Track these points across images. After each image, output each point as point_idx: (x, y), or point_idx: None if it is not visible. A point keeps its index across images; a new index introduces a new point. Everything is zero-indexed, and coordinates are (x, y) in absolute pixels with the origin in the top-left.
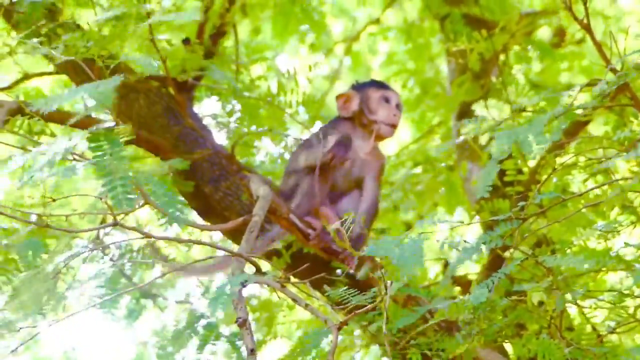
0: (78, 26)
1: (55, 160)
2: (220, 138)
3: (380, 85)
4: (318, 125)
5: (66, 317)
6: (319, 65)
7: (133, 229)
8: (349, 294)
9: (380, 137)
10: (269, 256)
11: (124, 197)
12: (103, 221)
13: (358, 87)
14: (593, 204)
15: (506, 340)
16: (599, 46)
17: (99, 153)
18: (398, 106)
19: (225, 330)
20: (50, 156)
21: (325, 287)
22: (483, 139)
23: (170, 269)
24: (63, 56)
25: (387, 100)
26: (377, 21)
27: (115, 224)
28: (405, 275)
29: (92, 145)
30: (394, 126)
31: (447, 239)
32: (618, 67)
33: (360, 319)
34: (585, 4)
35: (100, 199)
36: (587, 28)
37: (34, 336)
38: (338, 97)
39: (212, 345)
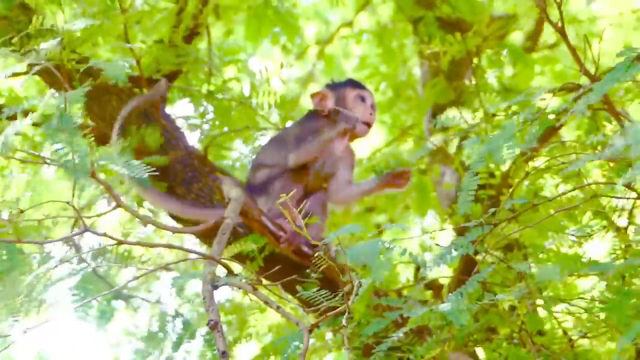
0: (51, 27)
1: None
2: (193, 140)
3: (356, 85)
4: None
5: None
6: (290, 65)
7: (104, 234)
8: (320, 296)
9: (355, 136)
10: (241, 259)
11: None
12: (75, 225)
13: (333, 86)
14: (564, 208)
15: (477, 345)
16: (573, 50)
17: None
18: (372, 106)
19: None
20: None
21: (298, 287)
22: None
23: (144, 272)
24: (35, 60)
25: (362, 99)
26: (349, 24)
27: (85, 231)
28: (374, 279)
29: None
30: (369, 125)
31: (419, 245)
32: (592, 71)
33: (331, 322)
34: (559, 7)
35: (68, 203)
36: (562, 32)
37: (7, 346)
38: (313, 95)
39: (187, 343)
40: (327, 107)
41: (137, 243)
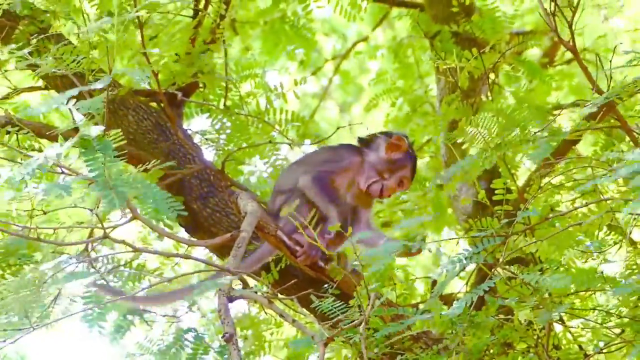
0: (68, 41)
1: (40, 168)
2: (209, 155)
3: (413, 168)
4: (307, 143)
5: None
6: (306, 80)
7: (122, 242)
8: (336, 308)
9: (370, 195)
10: (256, 272)
11: (119, 201)
12: (91, 235)
13: (409, 146)
14: (578, 222)
15: (493, 359)
16: (584, 68)
17: (90, 157)
18: (398, 190)
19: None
20: (34, 165)
21: (313, 297)
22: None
23: (159, 281)
24: (52, 69)
25: (402, 181)
26: (366, 39)
27: (105, 237)
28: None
29: (84, 149)
30: (382, 195)
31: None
32: (604, 86)
33: (347, 336)
34: (570, 27)
35: (91, 210)
36: (574, 50)
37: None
38: (399, 139)
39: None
40: (394, 158)
41: (155, 252)
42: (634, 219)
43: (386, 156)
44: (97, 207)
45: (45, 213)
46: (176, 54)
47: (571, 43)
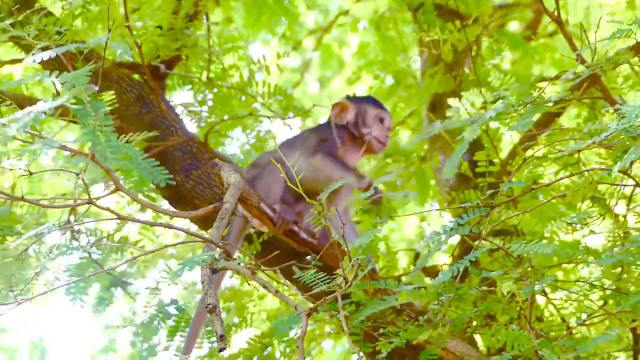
0: (50, 13)
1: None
2: (192, 128)
3: (378, 104)
4: (290, 116)
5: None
6: (288, 54)
7: (107, 209)
8: (318, 279)
9: (369, 151)
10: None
11: (110, 152)
12: (74, 208)
13: (355, 100)
14: (562, 194)
15: (476, 331)
16: (569, 39)
17: (82, 114)
18: (389, 128)
19: None
20: (26, 119)
21: (295, 268)
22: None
23: (141, 253)
24: (35, 41)
25: (381, 120)
26: (346, 13)
27: (89, 202)
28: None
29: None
30: (384, 144)
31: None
32: (588, 59)
33: (330, 307)
34: None
35: (77, 174)
36: (558, 21)
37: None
38: (334, 105)
39: (182, 332)
40: (346, 119)
41: (138, 220)
42: (618, 190)
43: (339, 121)
44: (84, 171)
45: (31, 174)
46: (159, 27)
47: (555, 14)
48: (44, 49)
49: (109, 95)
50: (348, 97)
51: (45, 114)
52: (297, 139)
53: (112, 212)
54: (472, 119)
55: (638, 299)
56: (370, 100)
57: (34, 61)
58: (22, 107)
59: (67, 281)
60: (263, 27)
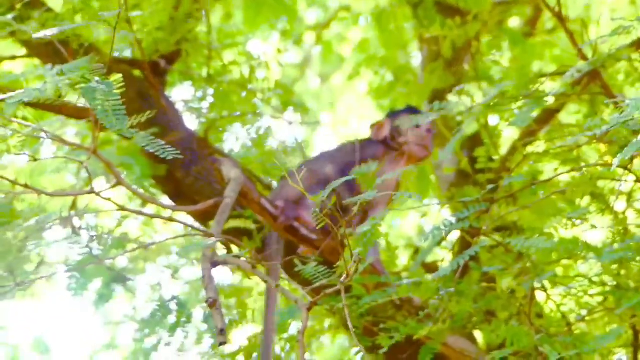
0: (49, 8)
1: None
2: (192, 124)
3: (412, 111)
4: (290, 112)
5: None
6: (288, 50)
7: (109, 199)
8: (319, 272)
9: (412, 158)
10: (239, 238)
11: (116, 120)
12: (75, 203)
13: (391, 114)
14: (561, 190)
15: (476, 327)
16: (570, 34)
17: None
18: (429, 130)
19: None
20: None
21: (296, 262)
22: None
23: (141, 246)
24: (36, 34)
25: (417, 126)
26: (347, 9)
27: (92, 192)
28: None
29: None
30: (426, 147)
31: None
32: (589, 55)
33: (330, 301)
34: None
35: (82, 162)
36: (560, 16)
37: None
38: (372, 126)
39: (183, 328)
40: (383, 134)
41: (140, 212)
42: (618, 187)
43: (377, 137)
44: (88, 159)
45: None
46: (159, 23)
47: (556, 9)
48: (44, 44)
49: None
50: (387, 114)
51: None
52: (337, 151)
53: (114, 203)
54: (469, 108)
55: (638, 297)
56: (404, 110)
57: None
58: (25, 103)
59: (67, 276)
60: (263, 22)
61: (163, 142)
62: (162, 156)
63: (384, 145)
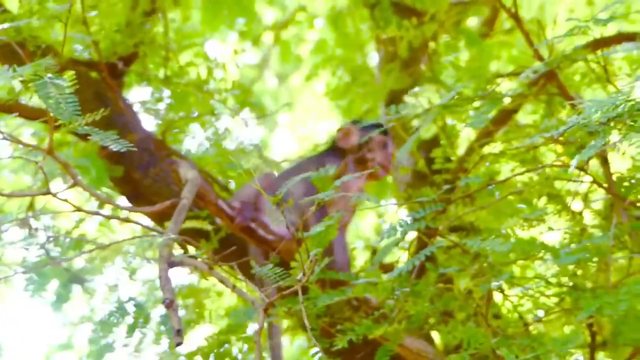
0: (5, 10)
1: None
2: (149, 125)
3: (383, 131)
4: (245, 113)
5: None
6: (246, 51)
7: (66, 200)
8: (275, 274)
9: (373, 177)
10: (196, 239)
11: (70, 109)
12: (32, 204)
13: (360, 126)
14: (518, 191)
15: (433, 328)
16: (526, 35)
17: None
18: (392, 154)
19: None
20: None
21: (252, 263)
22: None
23: (98, 246)
24: None
25: (385, 146)
26: (304, 9)
27: (48, 192)
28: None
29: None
30: (387, 170)
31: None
32: (546, 56)
33: (287, 302)
34: None
35: (37, 162)
36: (516, 17)
37: None
38: (339, 130)
39: (140, 329)
40: (351, 143)
41: (97, 213)
42: (574, 188)
43: (343, 145)
44: (43, 159)
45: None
46: (116, 24)
47: (513, 10)
48: (1, 44)
49: (69, 76)
50: (353, 122)
51: None
52: (300, 167)
53: (70, 204)
54: (426, 110)
55: (597, 303)
56: (374, 126)
57: None
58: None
59: (24, 277)
60: (221, 23)
61: (117, 137)
62: (117, 150)
63: (346, 152)
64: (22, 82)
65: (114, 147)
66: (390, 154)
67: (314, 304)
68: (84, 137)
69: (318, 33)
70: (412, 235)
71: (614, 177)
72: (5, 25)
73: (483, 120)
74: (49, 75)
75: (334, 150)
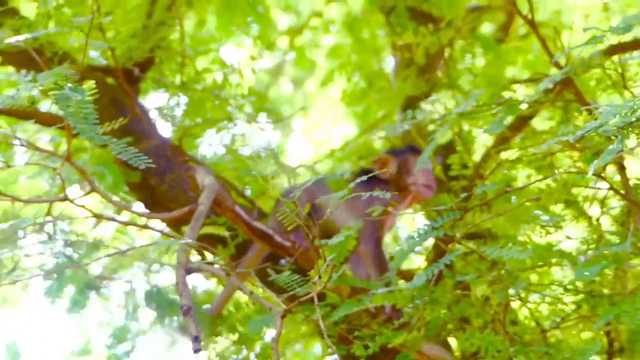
0: (23, 17)
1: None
2: (166, 131)
3: (417, 151)
4: (263, 117)
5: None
6: (262, 57)
7: (83, 206)
8: (293, 281)
9: (418, 198)
10: (213, 245)
11: (89, 127)
12: (49, 210)
13: (394, 152)
14: (536, 197)
15: (450, 335)
16: (543, 41)
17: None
18: (432, 172)
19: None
20: None
21: (270, 271)
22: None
23: (115, 252)
24: (9, 40)
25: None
26: (320, 15)
27: (66, 199)
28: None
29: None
30: (432, 189)
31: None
32: (562, 62)
33: (305, 309)
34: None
35: (55, 169)
36: (532, 23)
37: None
38: (375, 161)
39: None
40: (390, 172)
41: (114, 219)
42: (592, 194)
43: (382, 175)
44: (62, 165)
45: (9, 166)
46: (132, 30)
47: (529, 16)
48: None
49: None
50: (388, 152)
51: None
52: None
53: (88, 210)
54: (442, 116)
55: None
56: (409, 149)
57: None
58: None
59: (41, 282)
60: (236, 29)
61: (136, 150)
62: (134, 165)
63: (387, 182)
64: (41, 88)
65: (131, 161)
66: (430, 172)
67: (331, 310)
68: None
69: (333, 38)
70: (429, 241)
71: (631, 183)
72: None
73: (499, 126)
74: (69, 85)
75: (375, 180)
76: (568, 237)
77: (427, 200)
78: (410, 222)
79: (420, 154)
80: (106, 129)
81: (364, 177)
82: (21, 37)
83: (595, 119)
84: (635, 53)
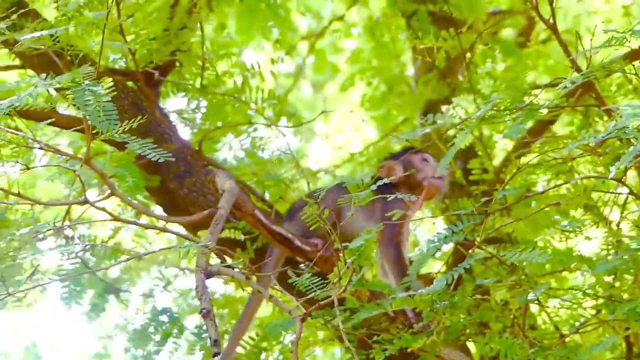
0: (44, 20)
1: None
2: (186, 134)
3: (416, 150)
4: (283, 121)
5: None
6: (282, 60)
7: (103, 209)
8: (313, 284)
9: (431, 193)
10: (232, 249)
11: (109, 124)
12: (68, 213)
13: (396, 157)
14: (555, 202)
15: (469, 339)
16: (564, 46)
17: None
18: (435, 164)
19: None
20: None
21: (290, 273)
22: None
23: (134, 256)
24: (30, 45)
25: (426, 160)
26: (341, 18)
27: (86, 202)
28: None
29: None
30: (442, 178)
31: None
32: (583, 67)
33: (325, 313)
34: (551, 4)
35: (75, 170)
36: (553, 28)
37: None
38: (380, 169)
39: (174, 339)
40: (398, 175)
41: (133, 222)
42: (612, 198)
43: (396, 180)
44: (80, 167)
45: (28, 168)
46: (153, 33)
47: (551, 21)
48: (37, 54)
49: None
50: (387, 158)
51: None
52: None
53: (108, 213)
54: (463, 120)
55: (631, 307)
56: (408, 150)
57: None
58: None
59: (60, 285)
60: (256, 32)
61: (154, 146)
62: (155, 160)
63: (397, 186)
64: (58, 90)
65: (152, 157)
66: (434, 164)
67: (350, 314)
68: (120, 146)
69: (354, 42)
70: (448, 245)
71: None
72: (43, 32)
73: (520, 130)
74: (87, 82)
75: (386, 187)
76: (587, 238)
77: (442, 192)
78: (429, 226)
79: (418, 152)
80: (125, 127)
81: (374, 187)
82: (39, 34)
83: (616, 121)
84: None
